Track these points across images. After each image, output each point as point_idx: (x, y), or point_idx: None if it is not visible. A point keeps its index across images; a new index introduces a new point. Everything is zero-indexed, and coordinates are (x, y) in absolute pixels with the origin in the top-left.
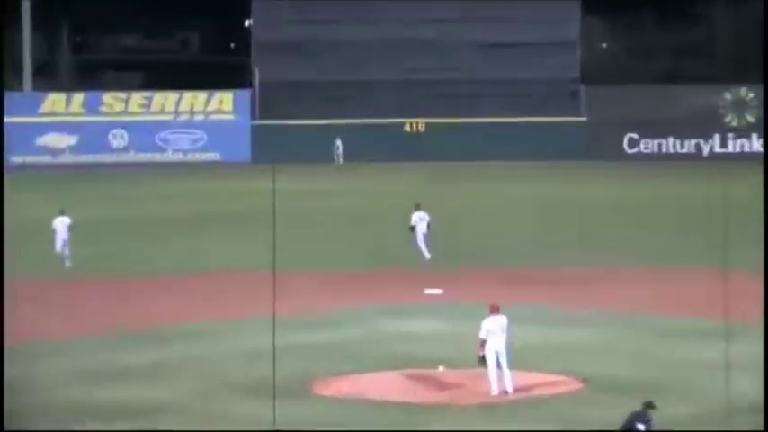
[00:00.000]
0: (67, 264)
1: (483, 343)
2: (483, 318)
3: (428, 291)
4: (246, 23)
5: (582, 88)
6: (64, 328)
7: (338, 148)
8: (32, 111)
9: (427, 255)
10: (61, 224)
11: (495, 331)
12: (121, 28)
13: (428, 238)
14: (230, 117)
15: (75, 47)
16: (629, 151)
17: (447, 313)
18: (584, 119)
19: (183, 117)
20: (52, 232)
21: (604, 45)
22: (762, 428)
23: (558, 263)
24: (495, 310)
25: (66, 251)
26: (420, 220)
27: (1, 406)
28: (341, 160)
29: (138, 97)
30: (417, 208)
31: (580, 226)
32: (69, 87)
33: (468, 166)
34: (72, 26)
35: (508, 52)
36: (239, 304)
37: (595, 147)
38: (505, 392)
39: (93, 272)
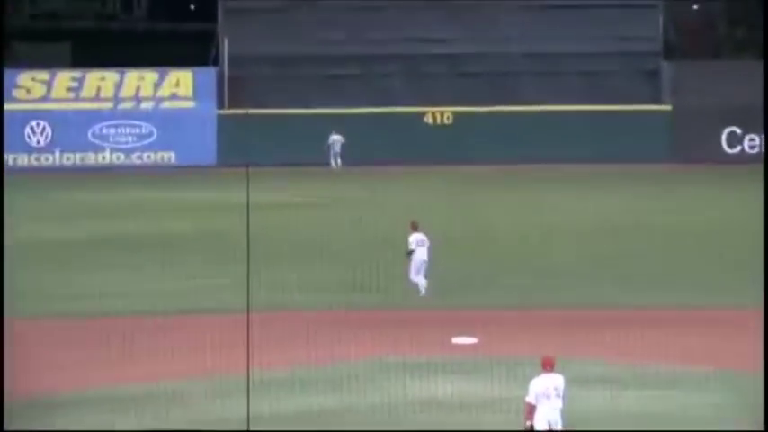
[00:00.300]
0: None
1: (532, 410)
2: (531, 376)
3: (457, 340)
4: None
5: (665, 65)
6: None
7: (335, 147)
8: None
9: (423, 290)
10: None
11: (547, 394)
12: None
13: (427, 266)
14: (189, 104)
15: None
16: (729, 151)
17: (482, 369)
18: (668, 107)
19: (126, 105)
20: None
21: (695, 7)
22: (762, 428)
23: (630, 302)
24: (548, 365)
25: None
26: (419, 244)
27: (1, 406)
28: (338, 162)
29: (64, 78)
30: (415, 228)
31: (660, 251)
32: None
33: (508, 169)
34: None
35: (564, 17)
36: (198, 358)
37: (683, 145)
38: None
39: (7, 312)
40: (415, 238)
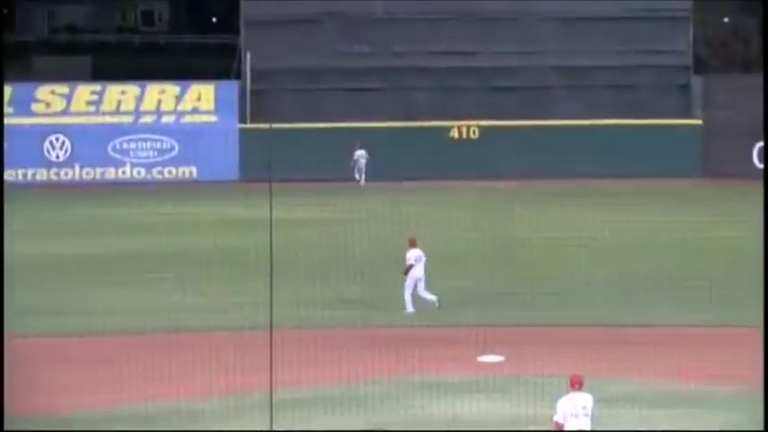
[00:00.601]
0: None
1: (559, 429)
2: (559, 395)
3: (483, 358)
4: None
5: (695, 80)
6: None
7: (359, 162)
8: None
9: (411, 308)
10: None
11: (575, 414)
12: None
13: (424, 283)
14: (211, 119)
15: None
16: (761, 166)
17: (509, 388)
18: (698, 122)
19: (147, 119)
20: None
21: (726, 20)
22: (762, 428)
23: (657, 320)
24: (576, 384)
25: None
26: (417, 260)
27: (1, 406)
28: (363, 177)
29: (84, 91)
30: (413, 245)
31: (688, 268)
32: None
33: (534, 184)
34: None
35: (593, 31)
36: (222, 376)
37: (713, 160)
38: None
39: (25, 330)
40: (413, 255)
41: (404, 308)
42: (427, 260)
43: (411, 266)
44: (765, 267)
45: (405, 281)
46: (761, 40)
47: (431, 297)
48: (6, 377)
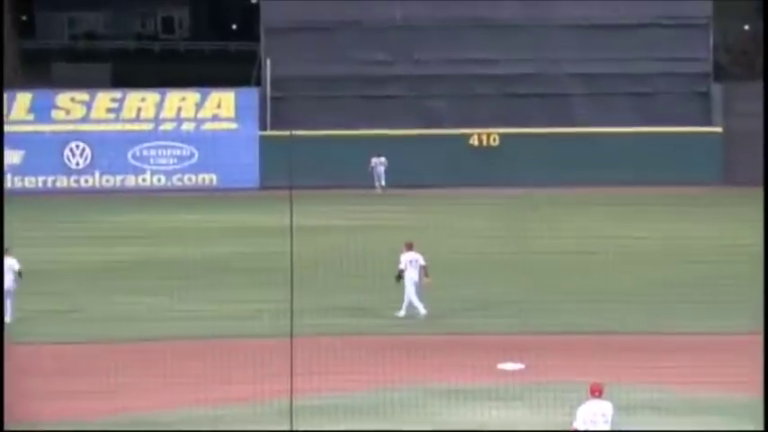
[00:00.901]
0: (7, 319)
1: None
2: (579, 403)
3: (503, 365)
4: None
5: (715, 87)
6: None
7: (378, 169)
8: None
9: (423, 310)
10: (6, 268)
11: (595, 421)
12: (83, 4)
13: (421, 288)
14: (231, 126)
15: (20, 29)
16: None
17: (528, 396)
18: (718, 129)
19: (167, 126)
20: None
21: (746, 27)
22: (762, 428)
23: (676, 327)
24: (596, 392)
25: (10, 305)
26: (411, 264)
27: (1, 406)
28: (382, 185)
29: (104, 98)
30: (410, 248)
31: (708, 275)
32: (12, 84)
33: (555, 192)
34: (16, 1)
35: (613, 38)
36: (242, 383)
37: (733, 167)
38: None
39: (48, 335)
40: (407, 258)
41: (418, 313)
42: (426, 264)
43: (402, 271)
44: (765, 270)
45: (405, 287)
46: None
47: (419, 304)
48: (26, 383)
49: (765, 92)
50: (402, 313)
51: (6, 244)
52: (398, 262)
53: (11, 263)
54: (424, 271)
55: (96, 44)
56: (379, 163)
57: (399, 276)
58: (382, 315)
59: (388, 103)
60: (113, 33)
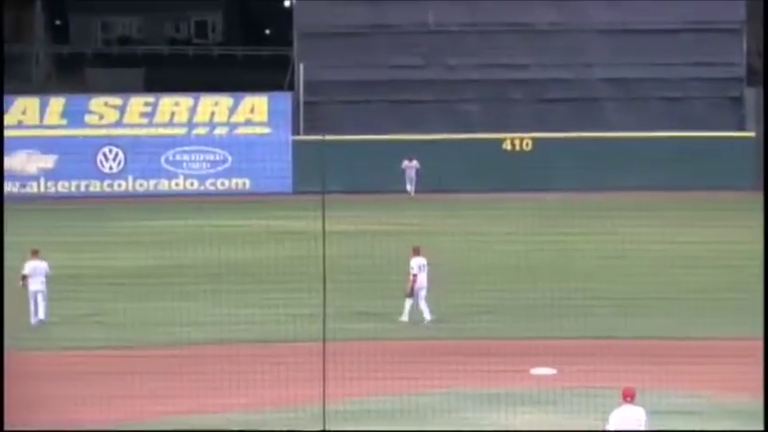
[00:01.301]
0: (38, 318)
1: None
2: (612, 408)
3: (536, 371)
4: (286, 2)
5: (748, 92)
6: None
7: (409, 173)
8: None
9: (428, 316)
10: (35, 270)
11: (628, 426)
12: (117, 9)
13: (426, 292)
14: (264, 130)
15: (53, 34)
16: None
17: (561, 401)
18: (751, 134)
19: (200, 131)
20: (20, 280)
21: None
22: (762, 428)
23: (709, 333)
24: (628, 396)
25: (42, 308)
26: (421, 268)
27: (1, 406)
28: (413, 188)
29: (138, 103)
30: (417, 253)
31: (740, 281)
32: (45, 89)
33: (588, 197)
34: (50, 6)
35: (646, 43)
36: (274, 388)
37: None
38: None
39: (81, 341)
40: (416, 263)
41: (422, 319)
42: (430, 269)
43: (415, 276)
44: (765, 273)
45: (414, 292)
46: None
47: (425, 308)
48: (57, 389)
49: (765, 93)
50: (429, 317)
51: (37, 246)
52: (409, 267)
53: (42, 265)
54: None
55: (129, 49)
56: (410, 166)
57: (412, 287)
58: (413, 320)
59: (421, 107)
60: (147, 38)
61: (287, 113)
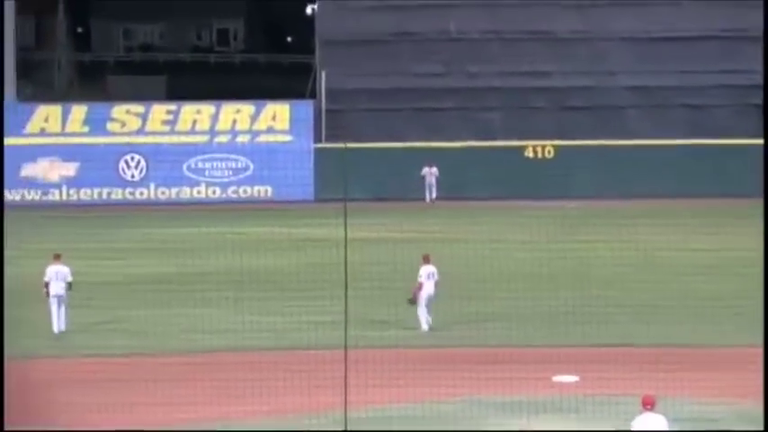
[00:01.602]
0: (58, 326)
1: None
2: (633, 416)
3: (558, 378)
4: (308, 10)
5: None
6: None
7: (429, 180)
8: (16, 129)
9: (426, 325)
10: (56, 275)
11: None
12: (139, 16)
13: (433, 301)
14: (286, 138)
15: (75, 41)
16: None
17: (583, 409)
18: None
19: (222, 138)
20: (44, 287)
21: None
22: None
23: (729, 341)
24: (648, 404)
25: (63, 313)
26: (428, 277)
27: (1, 406)
28: (433, 195)
29: (160, 111)
30: (427, 261)
31: (761, 289)
32: (67, 97)
33: (610, 204)
34: (72, 13)
35: (667, 50)
36: (296, 395)
37: None
38: None
39: (102, 349)
40: (425, 271)
41: (417, 326)
42: (439, 278)
43: (421, 284)
44: (765, 276)
45: (417, 300)
46: None
47: (427, 317)
48: (77, 396)
49: (765, 95)
50: (425, 327)
51: (58, 251)
52: (418, 275)
53: (64, 270)
54: (436, 285)
55: (151, 56)
56: (430, 173)
57: (416, 293)
58: (435, 327)
59: (443, 115)
60: (168, 45)
61: (309, 121)
